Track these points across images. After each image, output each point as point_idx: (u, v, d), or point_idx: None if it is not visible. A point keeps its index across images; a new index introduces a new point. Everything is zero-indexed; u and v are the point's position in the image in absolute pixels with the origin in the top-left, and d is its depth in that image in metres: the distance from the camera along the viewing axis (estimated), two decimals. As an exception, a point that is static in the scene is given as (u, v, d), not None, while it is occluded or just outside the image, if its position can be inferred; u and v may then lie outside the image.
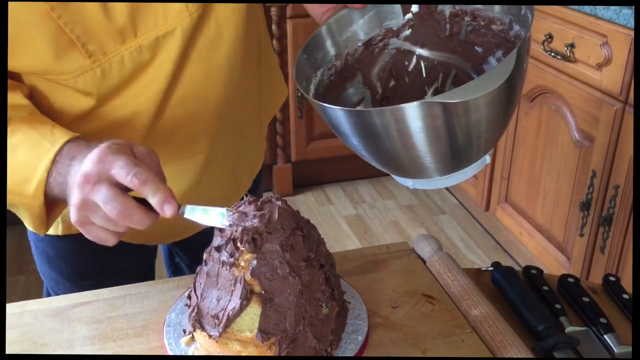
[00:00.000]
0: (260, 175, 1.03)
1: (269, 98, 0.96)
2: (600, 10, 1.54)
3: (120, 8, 0.67)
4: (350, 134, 0.60)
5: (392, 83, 0.71)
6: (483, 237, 2.34)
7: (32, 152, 0.66)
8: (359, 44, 0.70)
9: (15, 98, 0.69)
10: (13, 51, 0.65)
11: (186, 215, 0.63)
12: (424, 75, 0.71)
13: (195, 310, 0.65)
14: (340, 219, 2.48)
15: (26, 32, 0.65)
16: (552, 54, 1.71)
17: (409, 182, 0.65)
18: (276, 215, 0.63)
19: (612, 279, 0.78)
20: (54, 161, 0.65)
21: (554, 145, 1.80)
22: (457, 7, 0.67)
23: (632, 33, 1.46)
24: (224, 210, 0.64)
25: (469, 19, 0.67)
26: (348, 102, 0.71)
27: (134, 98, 0.74)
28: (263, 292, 0.62)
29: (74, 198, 0.61)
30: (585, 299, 0.74)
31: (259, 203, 0.65)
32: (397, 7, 0.70)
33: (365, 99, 0.72)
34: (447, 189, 2.66)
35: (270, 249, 0.62)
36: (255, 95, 0.90)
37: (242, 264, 0.62)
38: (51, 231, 0.89)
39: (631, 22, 1.46)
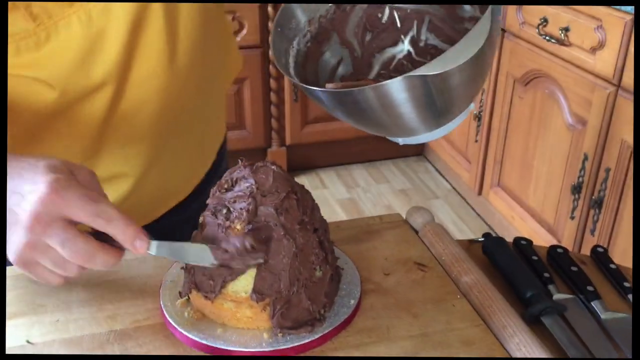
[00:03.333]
0: (224, 150, 1.00)
1: (226, 66, 0.94)
2: (595, -7, 1.55)
3: None
4: (334, 110, 0.62)
5: (368, 37, 0.72)
6: (475, 222, 2.36)
7: None
8: (330, 5, 0.71)
9: None
10: None
11: (154, 253, 0.59)
12: (399, 25, 0.71)
13: (191, 273, 0.66)
14: (334, 203, 2.49)
15: None
16: (547, 37, 1.72)
17: (399, 140, 0.67)
18: (271, 179, 0.64)
19: (600, 249, 0.80)
20: None
21: (547, 129, 1.82)
22: None
23: (626, 16, 1.47)
24: (205, 246, 0.61)
25: None
26: (327, 66, 0.71)
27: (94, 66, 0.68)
28: (258, 254, 0.63)
29: (20, 237, 0.55)
30: (574, 268, 0.75)
31: (253, 167, 0.66)
32: None
33: (344, 58, 0.73)
34: (441, 174, 2.67)
35: (265, 212, 0.63)
36: (218, 61, 0.88)
37: (238, 227, 0.63)
38: None
39: (625, 6, 1.47)
